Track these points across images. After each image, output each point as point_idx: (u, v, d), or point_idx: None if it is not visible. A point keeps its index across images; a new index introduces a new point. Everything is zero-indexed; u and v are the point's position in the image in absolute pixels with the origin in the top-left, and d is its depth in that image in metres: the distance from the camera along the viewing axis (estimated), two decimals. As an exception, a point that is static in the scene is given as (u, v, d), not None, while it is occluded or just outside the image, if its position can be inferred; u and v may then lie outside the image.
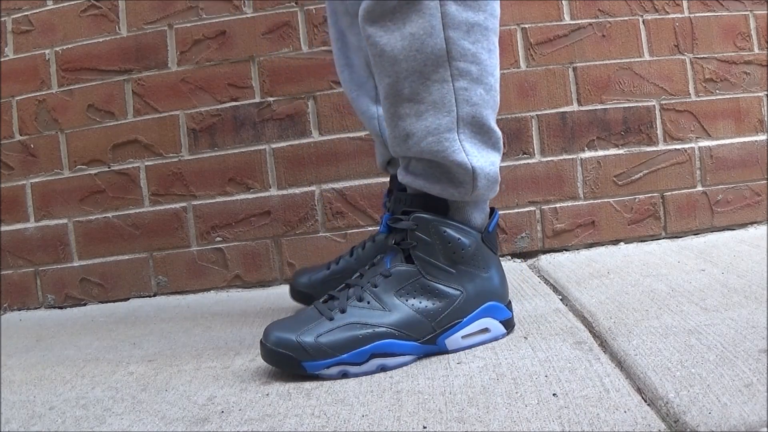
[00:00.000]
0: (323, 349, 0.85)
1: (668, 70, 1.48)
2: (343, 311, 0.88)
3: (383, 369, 0.87)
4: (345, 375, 0.86)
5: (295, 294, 1.21)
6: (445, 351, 0.91)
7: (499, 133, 0.93)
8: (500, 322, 0.94)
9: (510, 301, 0.98)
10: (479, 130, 0.90)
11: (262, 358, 0.89)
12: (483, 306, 0.93)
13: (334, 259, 1.22)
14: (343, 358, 0.86)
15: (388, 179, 1.27)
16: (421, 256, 0.91)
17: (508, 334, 0.95)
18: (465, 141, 0.89)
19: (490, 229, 0.95)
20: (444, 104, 0.87)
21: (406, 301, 0.90)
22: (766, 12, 1.50)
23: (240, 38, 1.48)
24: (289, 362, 0.86)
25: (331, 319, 0.88)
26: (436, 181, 0.91)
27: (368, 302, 0.89)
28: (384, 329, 0.87)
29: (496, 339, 0.94)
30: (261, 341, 0.88)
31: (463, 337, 0.91)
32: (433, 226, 0.91)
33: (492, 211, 0.97)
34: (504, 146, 1.45)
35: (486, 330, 0.93)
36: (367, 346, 0.86)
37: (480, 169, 0.90)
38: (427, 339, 0.90)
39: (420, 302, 0.90)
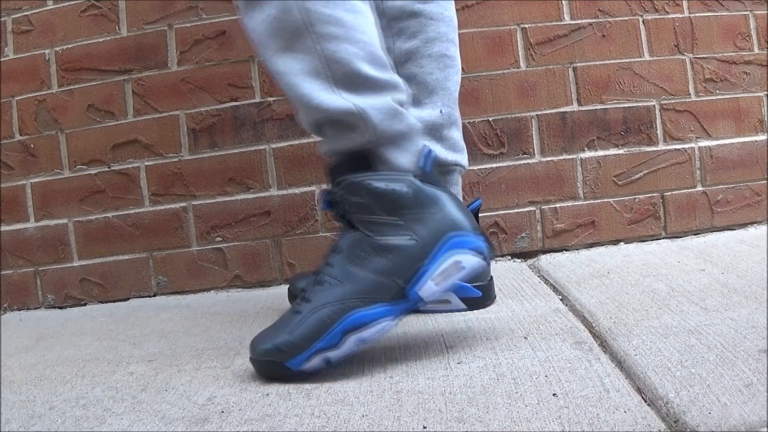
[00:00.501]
0: (297, 344, 0.84)
1: (668, 70, 1.48)
2: (307, 301, 0.87)
3: (363, 343, 0.85)
4: (329, 362, 0.85)
5: (293, 298, 1.21)
6: (422, 303, 0.87)
7: (384, 75, 0.91)
8: (471, 251, 0.88)
9: (480, 230, 0.90)
10: (356, 81, 0.89)
11: (257, 373, 0.89)
12: (442, 242, 0.87)
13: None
14: (319, 346, 0.84)
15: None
16: (361, 218, 0.88)
17: (487, 261, 0.90)
18: (344, 92, 0.89)
19: (427, 169, 0.90)
20: (315, 69, 0.88)
21: (361, 266, 0.86)
22: (766, 12, 1.50)
23: (240, 38, 1.48)
24: (274, 367, 0.86)
25: (299, 312, 0.86)
26: (338, 136, 0.91)
27: (328, 283, 0.87)
28: (346, 302, 0.84)
29: (475, 271, 0.88)
30: (250, 358, 0.88)
31: (435, 281, 0.86)
32: (358, 185, 0.88)
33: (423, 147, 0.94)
34: (504, 145, 1.46)
35: (458, 264, 0.87)
36: (336, 326, 0.84)
37: (369, 108, 0.88)
38: (396, 296, 0.86)
39: (375, 263, 0.86)
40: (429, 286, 0.86)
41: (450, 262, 0.87)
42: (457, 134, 1.16)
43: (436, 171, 0.92)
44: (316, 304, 0.86)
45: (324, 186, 1.47)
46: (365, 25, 0.91)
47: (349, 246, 0.88)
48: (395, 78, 0.93)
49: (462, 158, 1.16)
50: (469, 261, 0.88)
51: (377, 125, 0.89)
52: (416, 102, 1.13)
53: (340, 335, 0.84)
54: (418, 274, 0.86)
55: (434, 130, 1.13)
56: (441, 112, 1.13)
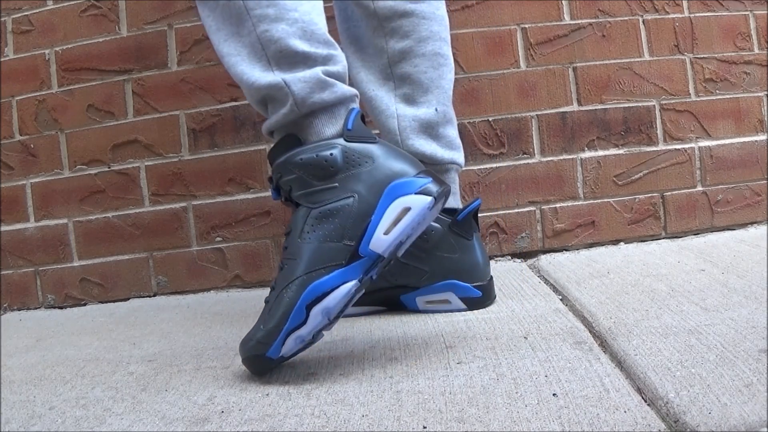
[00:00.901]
0: (270, 331, 0.84)
1: (668, 70, 1.48)
2: (272, 289, 0.87)
3: (329, 314, 0.83)
4: (302, 341, 0.84)
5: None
6: (377, 258, 0.85)
7: (316, 48, 0.92)
8: (418, 193, 0.86)
9: (424, 169, 0.89)
10: (289, 58, 0.91)
11: (251, 373, 0.89)
12: (385, 193, 0.86)
13: None
14: (288, 328, 0.83)
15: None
16: (299, 193, 0.89)
17: (438, 200, 0.88)
18: (277, 71, 0.91)
19: (349, 126, 0.90)
20: (254, 51, 0.92)
21: (310, 239, 0.85)
22: (766, 12, 1.50)
23: (240, 38, 1.48)
24: (259, 362, 0.86)
25: (267, 302, 0.87)
26: (272, 113, 0.93)
27: (286, 265, 0.86)
28: (302, 277, 0.83)
29: (424, 211, 0.86)
30: (242, 359, 0.89)
31: (385, 232, 0.84)
32: (287, 164, 0.89)
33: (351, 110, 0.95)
34: (504, 145, 1.46)
35: (406, 209, 0.85)
36: (298, 303, 0.83)
37: (292, 79, 0.90)
38: (351, 258, 0.84)
39: (322, 231, 0.85)
40: (380, 239, 0.84)
41: (396, 208, 0.85)
42: (452, 132, 1.16)
43: (363, 127, 0.92)
44: (279, 288, 0.86)
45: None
46: (299, 4, 0.93)
47: (296, 223, 0.87)
48: (331, 51, 0.94)
49: (458, 156, 1.16)
50: (416, 201, 0.85)
51: (302, 97, 0.90)
52: (411, 101, 1.14)
53: (304, 311, 0.83)
54: (366, 230, 0.85)
55: (430, 129, 1.13)
56: (436, 110, 1.13)
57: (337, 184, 0.87)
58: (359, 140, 0.90)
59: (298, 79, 0.90)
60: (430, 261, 1.10)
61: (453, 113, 1.17)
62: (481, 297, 1.10)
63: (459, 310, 1.10)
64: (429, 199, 0.85)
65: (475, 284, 1.10)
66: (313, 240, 0.85)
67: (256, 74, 0.92)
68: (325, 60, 0.93)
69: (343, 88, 0.93)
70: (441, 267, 1.10)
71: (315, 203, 0.87)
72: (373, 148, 0.89)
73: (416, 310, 1.13)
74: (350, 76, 1.19)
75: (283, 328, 0.83)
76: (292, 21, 0.92)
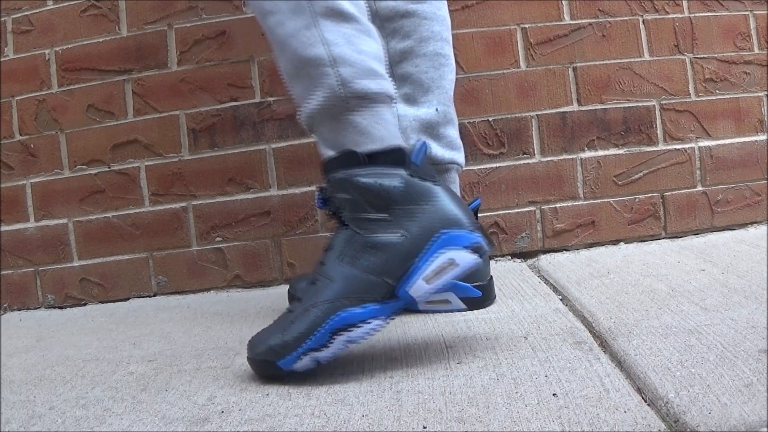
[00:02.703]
0: (288, 344, 0.83)
1: (668, 70, 1.48)
2: (300, 300, 0.86)
3: (352, 343, 0.83)
4: (318, 362, 0.84)
5: (293, 299, 1.21)
6: (413, 303, 0.85)
7: (359, 13, 0.89)
8: (466, 248, 0.84)
9: (478, 225, 0.87)
10: (339, 18, 0.87)
11: (254, 373, 0.89)
12: (435, 239, 0.84)
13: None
14: (307, 346, 0.83)
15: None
16: (350, 215, 0.86)
17: (482, 257, 0.86)
18: (327, 33, 0.86)
19: (418, 163, 0.87)
20: (298, 6, 0.86)
21: (351, 265, 0.84)
22: (766, 12, 1.50)
23: (240, 38, 1.48)
24: (268, 367, 0.86)
25: (291, 312, 0.86)
26: (308, 92, 0.88)
27: (319, 282, 0.85)
28: (335, 302, 0.82)
29: (470, 269, 0.85)
30: (247, 357, 0.88)
31: (426, 280, 0.83)
32: (346, 181, 0.86)
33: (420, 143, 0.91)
34: (504, 145, 1.46)
35: (452, 263, 0.84)
36: (324, 326, 0.82)
37: (342, 56, 0.86)
38: (386, 296, 0.83)
39: (364, 261, 0.84)
40: (420, 285, 0.83)
41: (443, 259, 0.84)
42: (453, 132, 1.16)
43: (429, 165, 0.89)
44: (307, 304, 0.85)
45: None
46: None
47: (339, 244, 0.86)
48: (360, 13, 0.90)
49: (459, 156, 1.16)
50: (464, 258, 0.84)
51: (345, 76, 0.86)
52: (412, 101, 1.14)
53: (328, 335, 0.83)
54: (409, 273, 0.83)
55: (431, 129, 1.13)
56: (437, 110, 1.13)
57: (391, 218, 0.85)
58: (423, 177, 0.87)
59: (349, 59, 0.85)
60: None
61: (454, 113, 1.17)
62: (482, 297, 1.09)
63: (459, 310, 1.09)
64: (477, 259, 0.85)
65: (475, 284, 1.08)
66: (355, 268, 0.84)
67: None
68: (367, 30, 0.90)
69: (390, 84, 0.90)
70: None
71: (364, 230, 0.85)
72: (436, 190, 0.86)
73: (416, 311, 1.12)
74: None
75: (303, 345, 0.83)
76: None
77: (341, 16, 0.88)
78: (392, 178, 0.85)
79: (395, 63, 1.14)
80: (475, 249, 0.85)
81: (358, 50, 0.87)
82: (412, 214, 0.85)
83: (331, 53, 0.86)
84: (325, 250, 0.87)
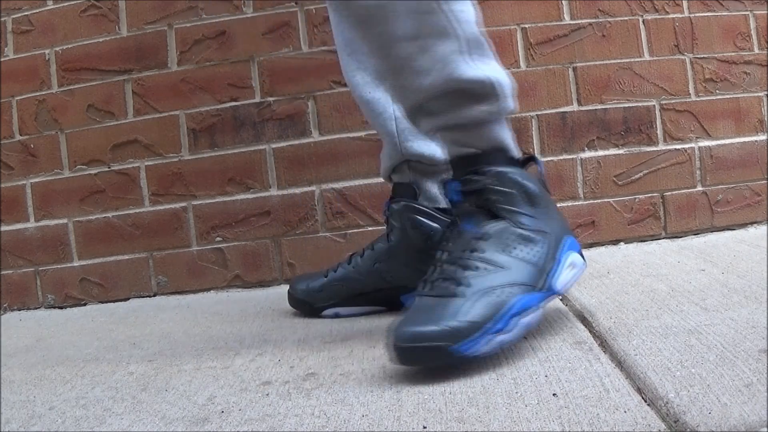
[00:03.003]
0: (475, 325, 0.80)
1: (668, 70, 1.48)
2: (466, 285, 0.84)
3: (528, 328, 0.85)
4: (501, 346, 0.82)
5: (293, 301, 1.22)
6: (556, 293, 0.91)
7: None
8: (579, 254, 0.95)
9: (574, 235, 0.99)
10: (479, 44, 0.90)
11: (396, 361, 0.83)
12: (564, 241, 0.93)
13: (332, 266, 1.22)
14: (494, 329, 0.82)
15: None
16: (508, 208, 0.89)
17: (586, 265, 0.97)
18: (474, 59, 0.89)
19: (543, 171, 0.96)
20: (444, 30, 0.86)
21: (511, 255, 0.87)
22: (766, 12, 1.50)
23: (240, 38, 1.48)
24: (435, 354, 0.80)
25: (456, 296, 0.83)
26: (466, 105, 0.90)
27: (484, 268, 0.85)
28: (513, 287, 0.84)
29: (582, 272, 0.95)
30: (392, 344, 0.82)
31: (565, 276, 0.91)
32: (507, 176, 0.90)
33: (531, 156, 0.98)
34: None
35: (573, 265, 0.93)
36: (507, 310, 0.83)
37: (496, 79, 0.91)
38: (543, 285, 0.88)
39: (524, 253, 0.88)
40: (562, 279, 0.91)
41: (568, 261, 0.92)
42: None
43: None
44: (479, 288, 0.84)
45: (324, 186, 1.47)
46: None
47: (496, 234, 0.88)
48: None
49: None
50: (580, 261, 0.95)
51: (507, 98, 0.93)
52: None
53: (510, 319, 0.83)
54: (554, 269, 0.90)
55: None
56: None
57: (537, 216, 0.91)
58: (544, 186, 0.95)
59: (500, 81, 0.91)
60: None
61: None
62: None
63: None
64: (584, 262, 0.96)
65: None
66: (516, 258, 0.87)
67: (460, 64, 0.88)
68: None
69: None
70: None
71: (518, 224, 0.89)
72: (551, 200, 0.96)
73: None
74: (347, 80, 1.19)
75: (489, 328, 0.81)
76: (474, 2, 0.92)
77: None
78: (532, 181, 0.93)
79: None
80: (582, 255, 0.96)
81: (500, 70, 0.93)
82: (548, 215, 0.93)
83: (496, 77, 0.91)
84: (478, 238, 0.88)
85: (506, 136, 0.94)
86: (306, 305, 1.19)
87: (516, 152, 0.95)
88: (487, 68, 0.90)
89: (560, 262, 0.91)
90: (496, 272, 0.85)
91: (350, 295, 1.17)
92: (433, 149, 1.13)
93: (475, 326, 0.81)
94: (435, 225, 1.11)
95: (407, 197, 1.14)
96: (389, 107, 1.15)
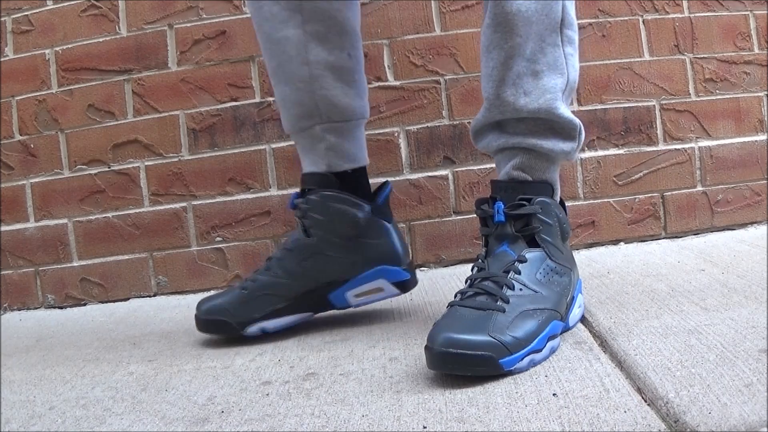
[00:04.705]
0: (519, 342, 0.82)
1: (668, 70, 1.48)
2: (507, 302, 0.86)
3: (553, 352, 0.87)
4: (533, 365, 0.84)
5: (202, 324, 1.08)
6: (569, 327, 0.95)
7: None
8: (580, 293, 1.01)
9: None
10: (572, 92, 0.97)
11: (434, 365, 0.82)
12: (578, 282, 1.00)
13: (241, 282, 1.11)
14: (532, 347, 0.83)
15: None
16: (546, 238, 0.93)
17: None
18: (566, 101, 0.95)
19: (567, 215, 1.00)
20: (557, 66, 0.93)
21: (544, 283, 0.90)
22: (766, 12, 1.50)
23: (240, 38, 1.48)
24: (484, 364, 0.79)
25: (499, 311, 0.84)
26: (548, 138, 0.94)
27: (522, 290, 0.88)
28: (550, 312, 0.88)
29: (580, 316, 1.00)
30: (435, 349, 0.80)
31: (573, 313, 0.96)
32: (552, 208, 0.94)
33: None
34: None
35: (580, 305, 0.99)
36: (544, 332, 0.86)
37: (581, 127, 0.96)
38: (563, 317, 0.92)
39: (554, 283, 0.91)
40: (574, 314, 0.96)
41: (580, 300, 0.99)
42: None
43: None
44: (522, 308, 0.86)
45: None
46: None
47: (534, 261, 0.91)
48: None
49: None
50: (583, 303, 1.01)
51: (581, 144, 0.98)
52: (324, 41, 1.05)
53: (545, 341, 0.86)
54: (572, 302, 0.96)
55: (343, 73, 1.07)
56: (349, 54, 1.07)
57: (563, 252, 0.95)
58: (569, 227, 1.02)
59: (581, 128, 0.97)
60: (358, 249, 1.07)
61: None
62: (410, 278, 1.10)
63: (392, 296, 1.10)
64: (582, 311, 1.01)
65: (402, 267, 1.09)
66: (548, 286, 0.90)
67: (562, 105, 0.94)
68: None
69: None
70: (369, 254, 1.07)
71: (552, 256, 0.93)
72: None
73: (346, 307, 1.09)
74: (251, 12, 1.08)
75: (528, 347, 0.83)
76: (578, 56, 0.99)
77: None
78: (567, 220, 0.98)
79: None
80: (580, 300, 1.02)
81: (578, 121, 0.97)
82: (570, 254, 0.99)
83: (581, 125, 0.97)
84: (518, 261, 0.91)
85: (558, 176, 0.98)
86: (222, 325, 1.06)
87: (559, 192, 0.99)
88: (573, 115, 0.96)
89: (575, 299, 0.97)
90: (533, 295, 0.88)
91: (279, 305, 1.06)
92: (350, 99, 1.07)
93: (520, 343, 0.82)
94: (357, 212, 1.06)
95: (323, 186, 1.06)
96: (302, 49, 1.03)
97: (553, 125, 0.94)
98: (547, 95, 0.92)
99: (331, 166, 1.08)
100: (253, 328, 1.06)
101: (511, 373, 0.81)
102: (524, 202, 0.93)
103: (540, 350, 0.84)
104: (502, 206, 0.92)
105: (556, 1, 0.91)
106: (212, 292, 1.49)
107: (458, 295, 0.90)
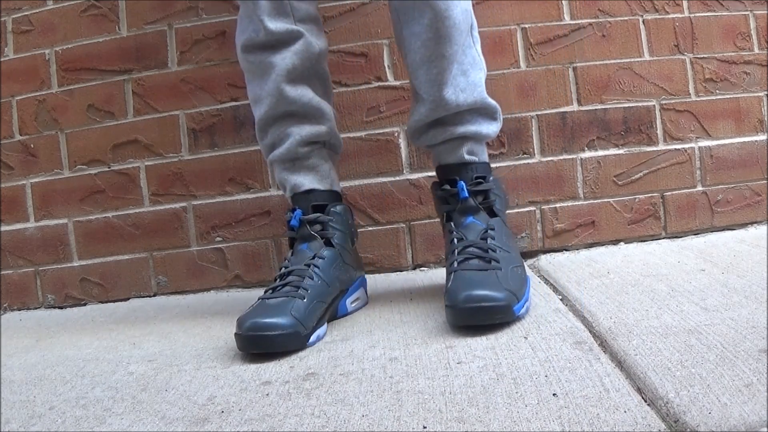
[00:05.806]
0: (521, 292, 1.01)
1: (668, 70, 1.48)
2: (497, 261, 1.03)
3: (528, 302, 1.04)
4: (527, 311, 1.02)
5: (268, 342, 0.99)
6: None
7: None
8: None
9: None
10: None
11: (459, 320, 0.97)
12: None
13: (289, 290, 1.07)
14: (526, 296, 1.03)
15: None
16: (500, 209, 1.12)
17: None
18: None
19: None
20: (476, 63, 1.12)
21: (510, 244, 1.09)
22: (766, 12, 1.50)
23: (240, 38, 1.48)
24: (503, 312, 0.96)
25: (496, 269, 1.01)
26: (482, 123, 1.13)
27: (500, 250, 1.05)
28: (523, 267, 1.08)
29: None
30: (458, 306, 0.96)
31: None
32: (500, 184, 1.15)
33: None
34: (504, 145, 1.46)
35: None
36: (528, 283, 1.07)
37: (498, 107, 1.16)
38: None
39: (513, 245, 1.11)
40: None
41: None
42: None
43: None
44: (507, 264, 1.03)
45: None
46: None
47: (498, 227, 1.09)
48: None
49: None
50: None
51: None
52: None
53: (530, 290, 1.07)
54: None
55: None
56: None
57: (504, 219, 1.15)
58: None
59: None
60: (355, 261, 1.22)
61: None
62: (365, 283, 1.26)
63: (365, 303, 1.23)
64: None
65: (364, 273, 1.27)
66: (513, 247, 1.09)
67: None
68: None
69: None
70: (357, 265, 1.23)
71: (504, 222, 1.13)
72: None
73: (345, 314, 1.17)
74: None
75: (525, 295, 1.02)
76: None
77: None
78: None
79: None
80: None
81: None
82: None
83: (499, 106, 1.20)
84: (492, 229, 1.08)
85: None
86: (295, 337, 0.99)
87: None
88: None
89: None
90: (509, 255, 1.05)
91: (321, 312, 1.06)
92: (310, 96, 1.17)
93: (520, 293, 1.01)
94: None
95: (331, 202, 1.18)
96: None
97: (485, 111, 1.13)
98: (477, 89, 1.11)
99: (333, 183, 1.22)
100: (313, 337, 1.03)
101: (518, 319, 0.99)
102: (481, 180, 1.12)
103: (529, 299, 1.04)
104: (464, 185, 1.09)
105: (468, 9, 1.09)
106: (212, 293, 1.49)
107: (453, 262, 1.04)
